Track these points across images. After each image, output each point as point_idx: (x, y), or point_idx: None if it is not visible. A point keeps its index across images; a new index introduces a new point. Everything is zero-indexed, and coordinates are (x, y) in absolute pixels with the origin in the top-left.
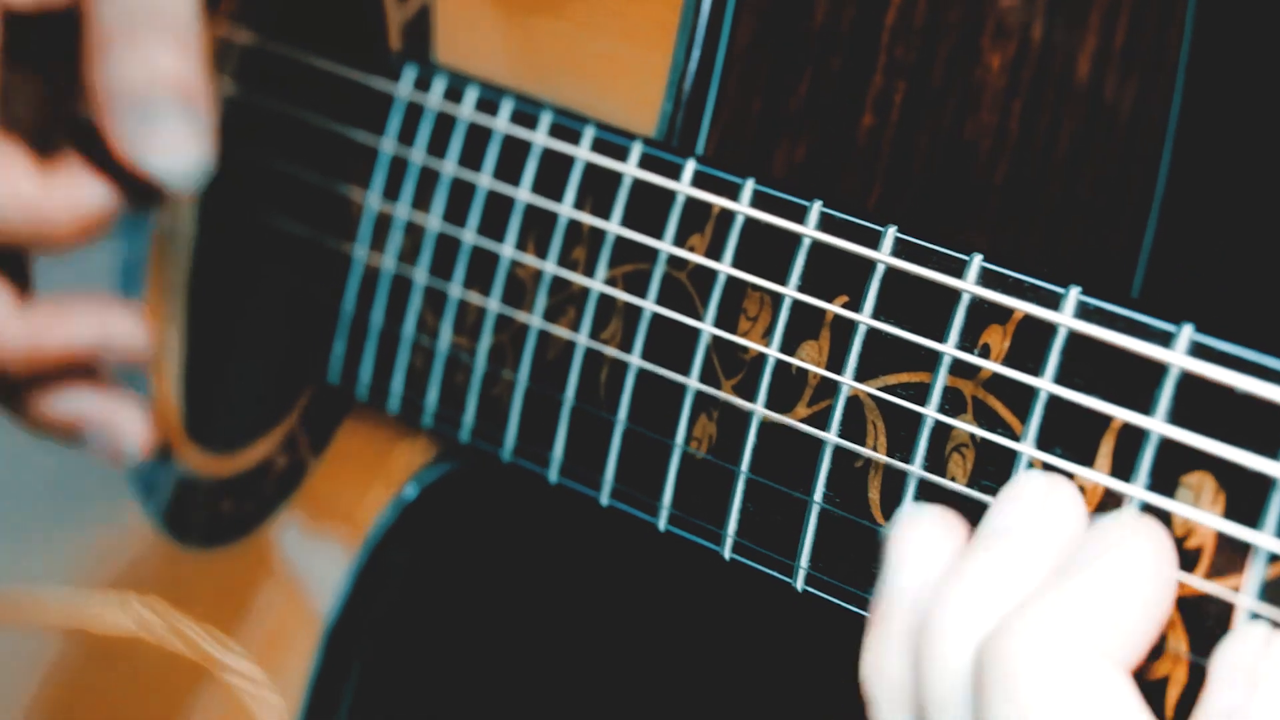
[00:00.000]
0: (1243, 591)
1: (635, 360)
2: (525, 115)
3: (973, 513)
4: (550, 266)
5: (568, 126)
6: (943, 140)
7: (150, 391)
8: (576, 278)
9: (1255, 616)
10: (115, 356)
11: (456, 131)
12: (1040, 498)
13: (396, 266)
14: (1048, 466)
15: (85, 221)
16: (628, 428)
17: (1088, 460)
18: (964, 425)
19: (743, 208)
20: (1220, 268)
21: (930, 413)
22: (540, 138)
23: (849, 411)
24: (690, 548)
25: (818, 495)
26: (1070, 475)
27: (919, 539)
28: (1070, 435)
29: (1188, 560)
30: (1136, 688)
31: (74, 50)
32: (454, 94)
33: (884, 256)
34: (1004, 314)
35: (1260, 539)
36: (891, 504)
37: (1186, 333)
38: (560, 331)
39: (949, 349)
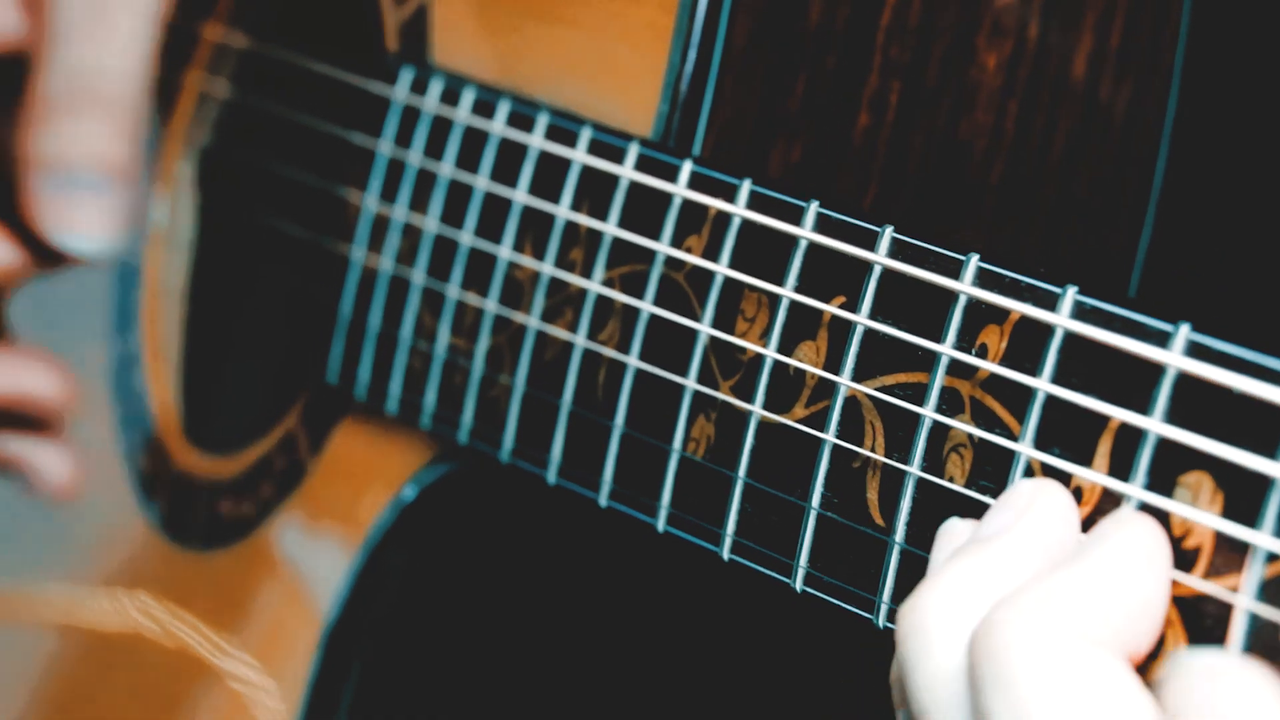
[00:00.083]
0: (1241, 591)
1: (633, 361)
2: (522, 117)
3: (971, 513)
4: (548, 268)
5: (564, 128)
6: (938, 140)
7: (148, 393)
8: (574, 279)
9: (1253, 616)
10: (28, 410)
11: (453, 134)
12: (1029, 501)
13: (394, 268)
14: (1046, 467)
15: None
16: (625, 429)
17: (1086, 460)
18: (962, 425)
19: (739, 209)
20: (1216, 267)
21: (928, 413)
22: (537, 140)
23: (847, 412)
24: (689, 548)
25: (816, 496)
26: (1068, 475)
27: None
28: (1068, 435)
29: (1185, 560)
30: (1135, 675)
31: (10, 106)
32: (451, 96)
33: (881, 258)
34: (1001, 314)
35: (1258, 538)
36: (890, 504)
37: (1184, 332)
38: (558, 332)
39: (946, 349)
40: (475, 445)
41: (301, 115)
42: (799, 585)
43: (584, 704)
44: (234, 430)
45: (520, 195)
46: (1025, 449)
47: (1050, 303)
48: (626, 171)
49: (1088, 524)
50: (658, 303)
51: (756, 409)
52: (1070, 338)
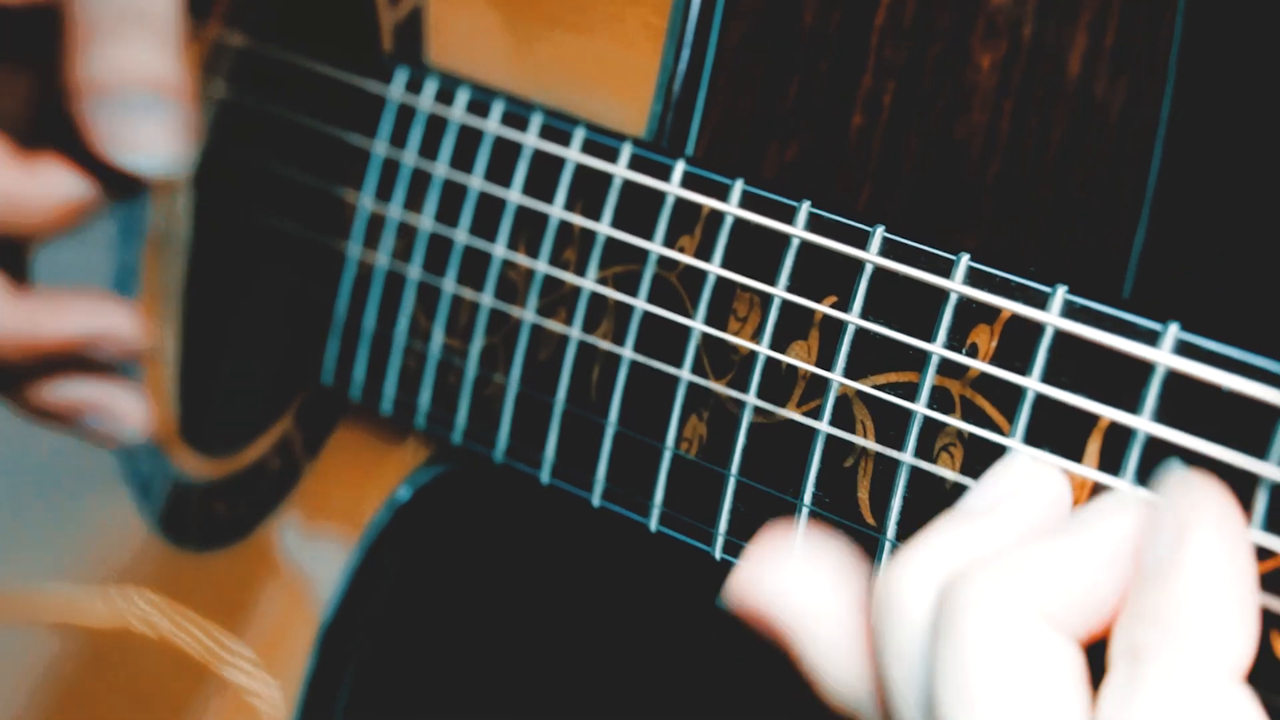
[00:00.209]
0: None
1: (626, 354)
2: (516, 117)
3: None
4: (542, 267)
5: (558, 128)
6: (933, 140)
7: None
8: (568, 278)
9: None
10: (109, 351)
11: (448, 133)
12: (1021, 481)
13: (389, 268)
14: None
15: (62, 211)
16: (619, 429)
17: (1075, 459)
18: (953, 423)
19: (732, 208)
20: (1211, 267)
21: (919, 408)
22: (531, 139)
23: (838, 411)
24: (682, 548)
25: (808, 494)
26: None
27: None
28: (1058, 434)
29: None
30: (1082, 660)
31: (56, 46)
32: (445, 96)
33: (872, 256)
34: (991, 313)
35: (1250, 536)
36: (881, 503)
37: (1173, 331)
38: (553, 325)
39: (937, 348)
40: (469, 445)
41: (297, 115)
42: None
43: (578, 703)
44: (230, 431)
45: (514, 195)
46: (1016, 446)
47: (1040, 302)
48: (620, 171)
49: None
50: (650, 302)
51: (750, 399)
52: (1060, 337)
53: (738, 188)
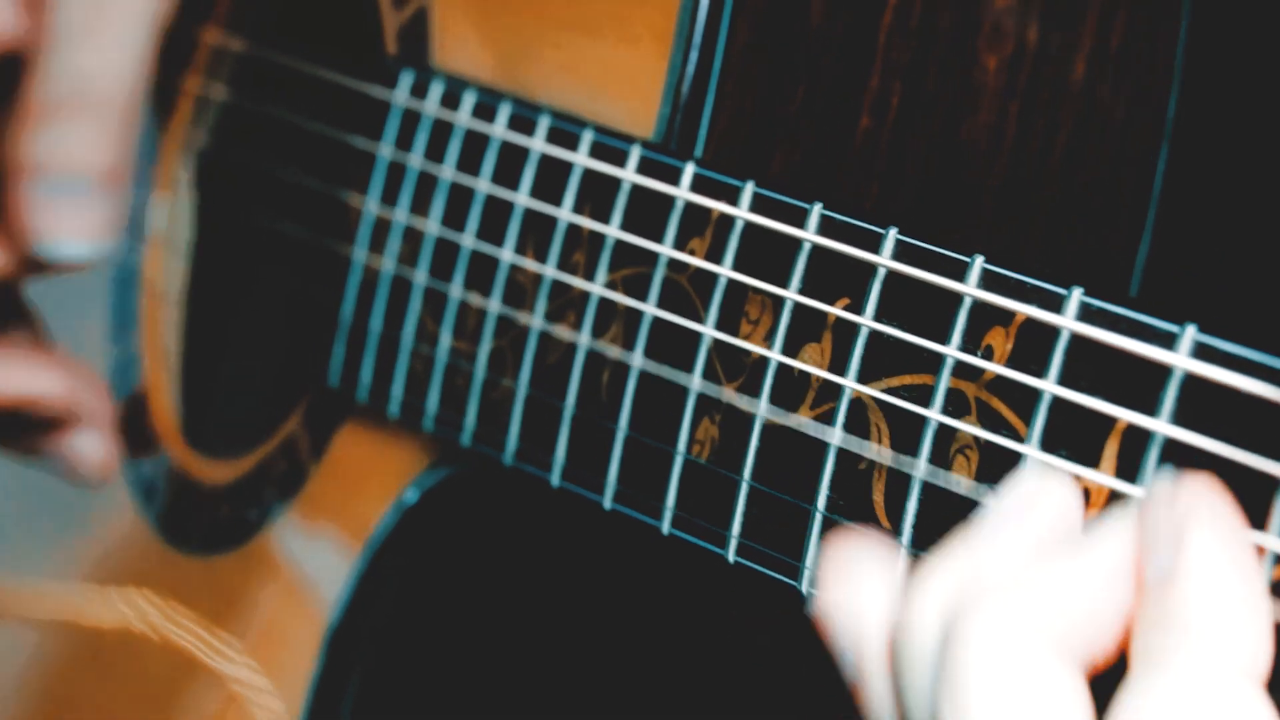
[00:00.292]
0: None
1: (637, 358)
2: (523, 120)
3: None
4: (550, 271)
5: (566, 131)
6: (939, 142)
7: (146, 396)
8: (576, 281)
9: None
10: (39, 411)
11: (454, 137)
12: (1030, 498)
13: (395, 271)
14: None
15: None
16: (629, 432)
17: (1093, 462)
18: (968, 427)
19: (743, 212)
20: (1216, 268)
21: (934, 414)
22: (538, 143)
23: (852, 414)
24: (694, 551)
25: (822, 499)
26: (1075, 477)
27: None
28: (1075, 437)
29: None
30: (1085, 687)
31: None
32: (451, 99)
33: (885, 260)
34: (1006, 316)
35: (1268, 540)
36: (896, 506)
37: (1190, 334)
38: (561, 332)
39: (952, 351)
40: (478, 448)
41: (301, 119)
42: (806, 589)
43: (588, 707)
44: (235, 434)
45: (522, 198)
46: (1032, 450)
47: (1055, 304)
48: (629, 174)
49: None
50: (661, 305)
51: (762, 404)
52: (1076, 339)
53: (748, 190)
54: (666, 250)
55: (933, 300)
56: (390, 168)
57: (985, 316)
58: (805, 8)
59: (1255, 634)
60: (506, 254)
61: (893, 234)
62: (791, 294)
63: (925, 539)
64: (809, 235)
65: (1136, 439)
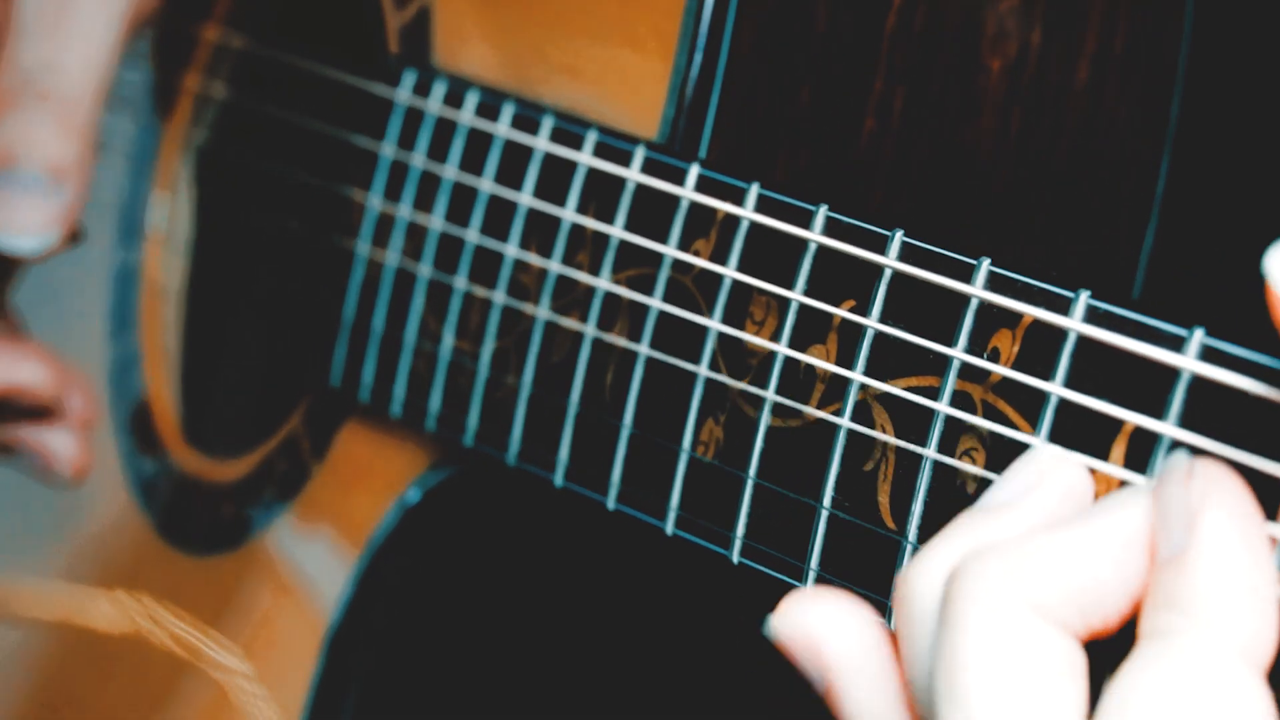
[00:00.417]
0: None
1: (643, 349)
2: (527, 120)
3: None
4: (554, 265)
5: (570, 131)
6: (943, 144)
7: (147, 395)
8: (582, 276)
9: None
10: (23, 401)
11: (457, 136)
12: (1042, 476)
13: (398, 271)
14: None
15: None
16: (634, 431)
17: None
18: (977, 421)
19: (748, 213)
20: (1220, 270)
21: (941, 408)
22: (542, 142)
23: (858, 415)
24: (698, 551)
25: (827, 499)
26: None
27: None
28: (1082, 439)
29: None
30: (1079, 653)
31: None
32: (454, 99)
33: (891, 261)
34: (1013, 318)
35: (1275, 529)
36: (902, 507)
37: (1198, 337)
38: (566, 323)
39: (958, 353)
40: (481, 448)
41: (302, 117)
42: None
43: (590, 709)
44: (236, 433)
45: (525, 198)
46: (1038, 444)
47: (1063, 307)
48: (633, 174)
49: None
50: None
51: (770, 394)
52: (1083, 342)
53: (753, 191)
54: (671, 251)
55: (939, 302)
56: (393, 166)
57: (992, 319)
58: (810, 10)
59: (1261, 620)
60: (510, 254)
61: (899, 236)
62: (797, 295)
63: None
64: (814, 236)
65: (1144, 442)
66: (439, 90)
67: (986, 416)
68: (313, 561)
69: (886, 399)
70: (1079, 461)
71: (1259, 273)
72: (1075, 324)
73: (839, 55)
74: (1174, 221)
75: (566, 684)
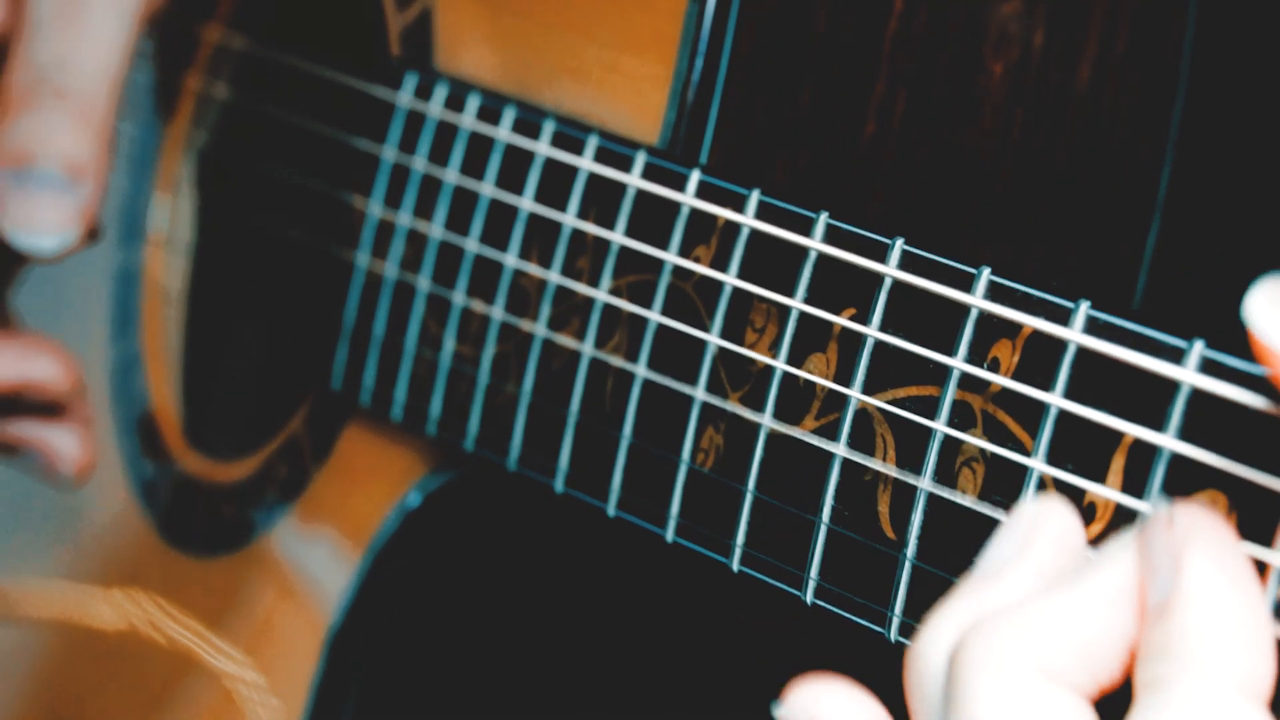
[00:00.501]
0: None
1: (641, 370)
2: (528, 124)
3: (983, 528)
4: (554, 276)
5: (571, 135)
6: (944, 147)
7: (149, 396)
8: (581, 287)
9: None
10: (36, 397)
11: (458, 140)
12: (1030, 532)
13: (398, 275)
14: (1058, 482)
15: None
16: (634, 440)
17: (1099, 476)
18: (974, 440)
19: (748, 219)
20: (1222, 275)
21: (939, 426)
22: (543, 147)
23: (858, 424)
24: (698, 559)
25: (827, 509)
26: (1081, 491)
27: None
28: (1081, 451)
29: None
30: (1091, 713)
31: None
32: (456, 102)
33: (892, 270)
34: (1013, 328)
35: (1274, 558)
36: (902, 518)
37: (1198, 349)
38: (565, 341)
39: (958, 363)
40: (481, 453)
41: (304, 119)
42: (809, 598)
43: (590, 713)
44: (237, 435)
45: (526, 202)
46: (1038, 464)
47: (1063, 317)
48: (634, 180)
49: (1103, 538)
50: (665, 313)
51: (766, 420)
52: (1083, 353)
53: (754, 198)
54: (671, 257)
55: (939, 311)
56: (394, 170)
57: (992, 329)
58: (810, 14)
59: (1255, 654)
60: (510, 259)
61: (899, 244)
62: (797, 303)
63: (931, 551)
64: (815, 244)
65: (1143, 454)
66: (440, 93)
67: (986, 426)
68: (314, 563)
69: (885, 409)
70: (1061, 505)
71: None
72: (1075, 335)
73: (840, 58)
74: (1175, 225)
75: (565, 688)
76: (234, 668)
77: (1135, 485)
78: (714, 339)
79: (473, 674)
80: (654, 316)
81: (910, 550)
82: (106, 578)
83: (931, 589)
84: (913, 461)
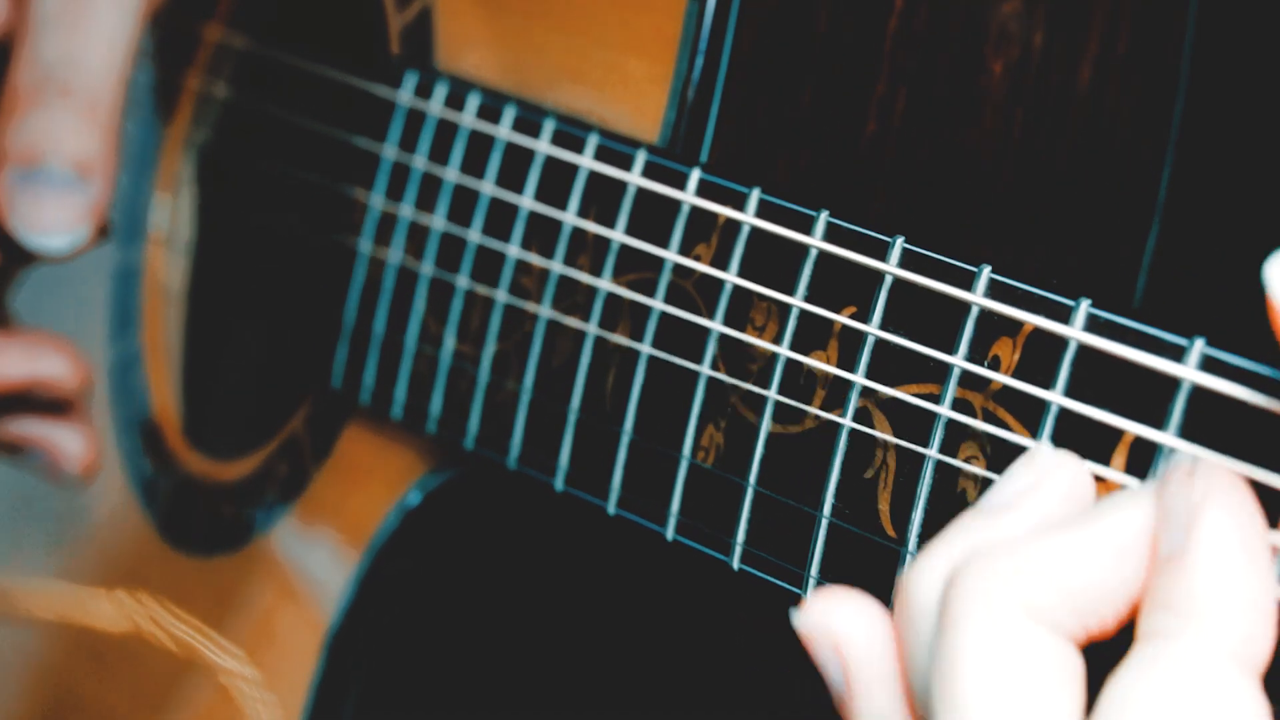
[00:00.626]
0: None
1: (644, 348)
2: (528, 122)
3: None
4: (556, 266)
5: (571, 134)
6: (945, 147)
7: (149, 395)
8: (584, 277)
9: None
10: (45, 394)
11: (459, 138)
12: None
13: (398, 273)
14: None
15: None
16: (634, 437)
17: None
18: (978, 425)
19: (749, 218)
20: (1222, 274)
21: (942, 412)
22: (543, 145)
23: (858, 421)
24: (699, 557)
25: (827, 506)
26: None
27: None
28: (1082, 448)
29: None
30: (1076, 655)
31: None
32: (456, 101)
33: (892, 268)
34: (1014, 326)
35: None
36: (902, 515)
37: (1198, 347)
38: (569, 321)
39: (958, 361)
40: (482, 451)
41: (304, 118)
42: (809, 596)
43: (591, 712)
44: (237, 434)
45: (526, 201)
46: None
47: (1063, 315)
48: (634, 178)
49: None
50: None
51: (772, 394)
52: (1084, 351)
53: (754, 196)
54: (672, 255)
55: (940, 310)
56: (394, 168)
57: (992, 327)
58: (811, 13)
59: (1256, 624)
60: (511, 256)
61: (899, 242)
62: (797, 301)
63: None
64: (815, 242)
65: (1144, 452)
66: (440, 92)
67: (987, 424)
68: (314, 563)
69: (887, 406)
70: (1079, 463)
71: (1260, 277)
72: (1076, 333)
73: (841, 57)
74: (1176, 224)
75: (566, 687)
76: (233, 667)
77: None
78: (715, 325)
79: (473, 674)
80: (656, 304)
81: (911, 548)
82: (106, 577)
83: None
84: (913, 459)
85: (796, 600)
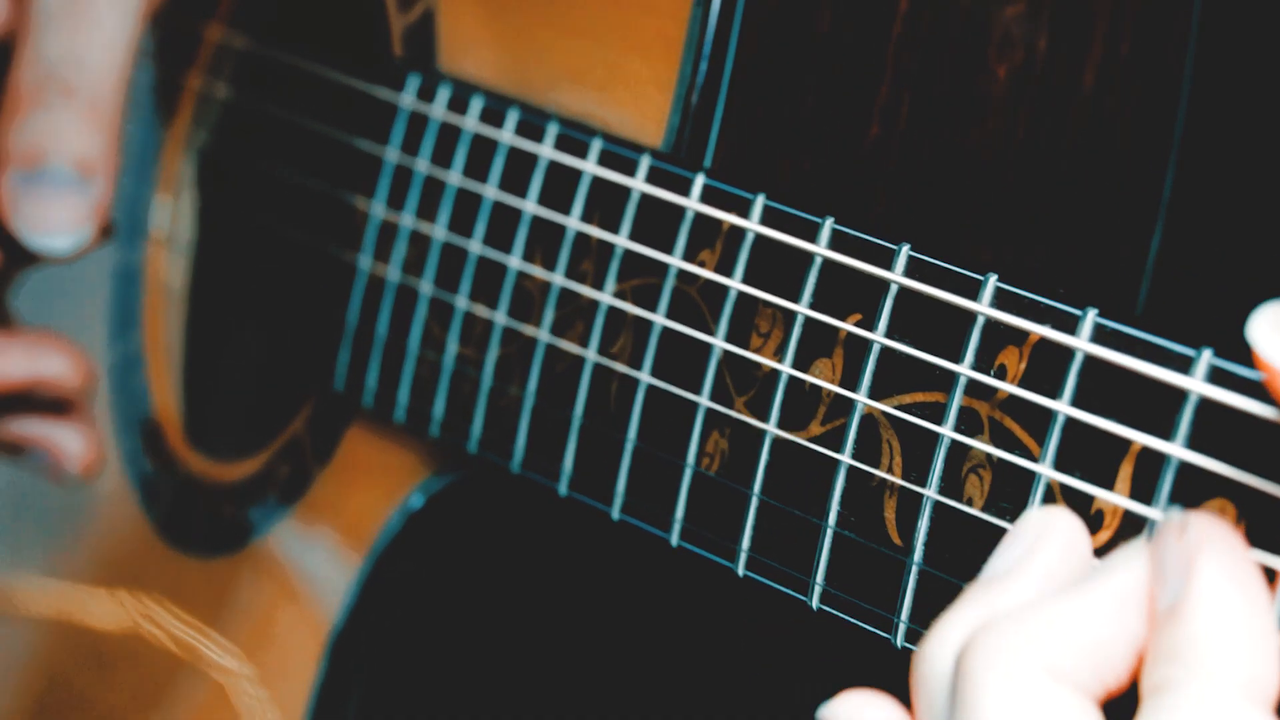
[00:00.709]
0: None
1: (645, 377)
2: (531, 126)
3: (989, 535)
4: (558, 279)
5: (575, 138)
6: (949, 150)
7: (150, 395)
8: (585, 290)
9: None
10: (46, 393)
11: (462, 142)
12: (1037, 538)
13: (401, 276)
14: (1065, 489)
15: None
16: (638, 443)
17: (1107, 484)
18: (981, 446)
19: (753, 224)
20: (1225, 278)
21: (946, 431)
22: (547, 149)
23: (864, 430)
24: (703, 564)
25: (833, 514)
26: (1089, 497)
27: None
28: (1089, 459)
29: None
30: (1098, 713)
31: None
32: (459, 104)
33: (897, 276)
34: (1020, 335)
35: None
36: (908, 524)
37: (1206, 358)
38: (569, 346)
39: (964, 370)
40: (485, 455)
41: (306, 119)
42: (815, 603)
43: (592, 716)
44: (239, 435)
45: (530, 205)
46: (1045, 470)
47: (1070, 325)
48: (638, 184)
49: (1110, 545)
50: (670, 317)
51: (771, 428)
52: (1090, 361)
53: (759, 203)
54: (676, 261)
55: (946, 318)
56: (397, 171)
57: (999, 335)
58: (815, 16)
59: (1262, 660)
60: (514, 261)
61: (905, 250)
62: (802, 308)
63: (937, 556)
64: (821, 250)
65: (1151, 462)
66: (443, 95)
67: (993, 433)
68: (315, 565)
69: (892, 414)
70: (1070, 516)
71: (1262, 282)
72: (1083, 343)
73: (844, 60)
74: (1179, 228)
75: (568, 692)
76: (233, 668)
77: (1143, 493)
78: (718, 342)
79: (475, 677)
80: (659, 319)
81: (917, 556)
82: (106, 577)
83: (938, 595)
84: (919, 467)
85: (802, 607)
